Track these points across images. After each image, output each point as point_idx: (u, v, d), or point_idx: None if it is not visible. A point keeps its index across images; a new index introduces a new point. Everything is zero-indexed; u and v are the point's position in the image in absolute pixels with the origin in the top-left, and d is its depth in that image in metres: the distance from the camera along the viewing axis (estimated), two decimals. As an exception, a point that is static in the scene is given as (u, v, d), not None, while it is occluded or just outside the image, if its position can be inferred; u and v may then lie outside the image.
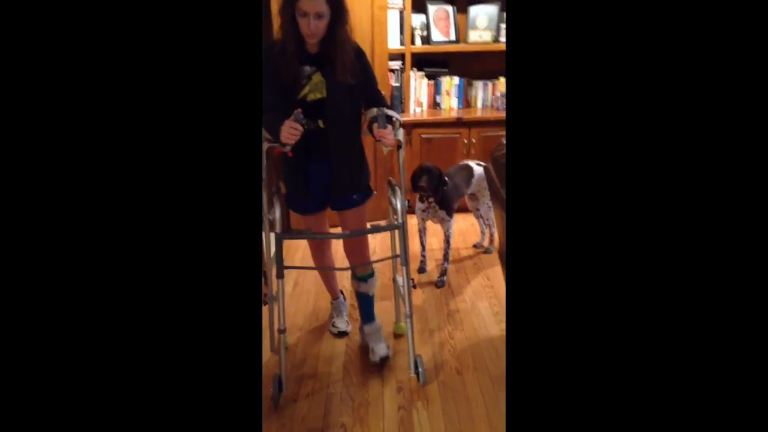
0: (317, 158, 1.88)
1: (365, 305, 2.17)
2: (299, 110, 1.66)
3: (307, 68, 1.80)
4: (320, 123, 1.83)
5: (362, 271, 2.11)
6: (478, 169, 2.83)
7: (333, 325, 2.34)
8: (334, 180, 1.91)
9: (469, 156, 3.36)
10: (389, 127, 1.75)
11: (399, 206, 1.91)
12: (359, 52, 1.84)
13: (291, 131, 1.65)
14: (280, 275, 1.88)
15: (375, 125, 1.74)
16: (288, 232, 1.92)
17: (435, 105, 3.57)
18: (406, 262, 1.93)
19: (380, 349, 2.08)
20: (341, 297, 2.41)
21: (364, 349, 2.17)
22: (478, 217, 3.06)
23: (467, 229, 3.38)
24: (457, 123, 3.36)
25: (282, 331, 1.91)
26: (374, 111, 1.77)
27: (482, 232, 3.13)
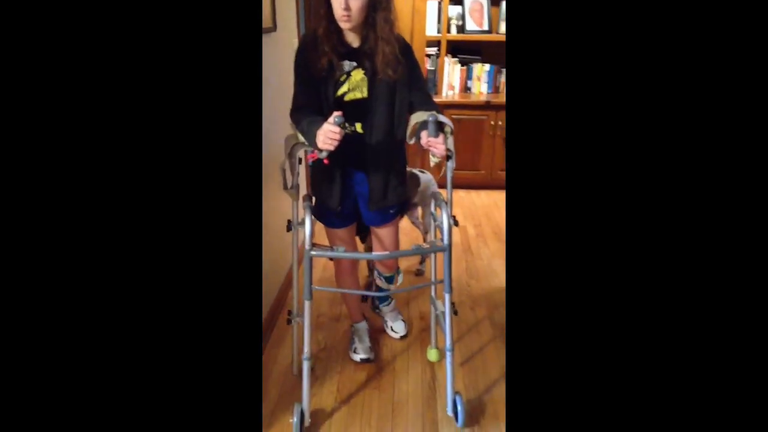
0: (352, 167, 1.66)
1: (385, 296, 2.20)
2: (341, 112, 1.39)
3: (347, 63, 1.55)
4: (358, 127, 1.60)
5: (388, 272, 2.02)
6: (424, 176, 2.34)
7: (354, 352, 2.03)
8: (372, 192, 1.68)
9: (494, 137, 3.68)
10: (441, 135, 1.49)
11: (445, 225, 1.62)
12: (406, 48, 1.60)
13: (331, 136, 1.39)
14: (307, 296, 1.61)
15: (424, 132, 1.50)
16: (318, 247, 1.67)
17: (466, 89, 3.89)
18: (449, 289, 1.68)
19: (399, 328, 2.15)
20: (365, 321, 2.12)
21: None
22: (418, 225, 2.58)
23: (490, 204, 3.69)
24: (486, 106, 3.68)
25: (307, 359, 1.67)
26: (423, 116, 1.53)
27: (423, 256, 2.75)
